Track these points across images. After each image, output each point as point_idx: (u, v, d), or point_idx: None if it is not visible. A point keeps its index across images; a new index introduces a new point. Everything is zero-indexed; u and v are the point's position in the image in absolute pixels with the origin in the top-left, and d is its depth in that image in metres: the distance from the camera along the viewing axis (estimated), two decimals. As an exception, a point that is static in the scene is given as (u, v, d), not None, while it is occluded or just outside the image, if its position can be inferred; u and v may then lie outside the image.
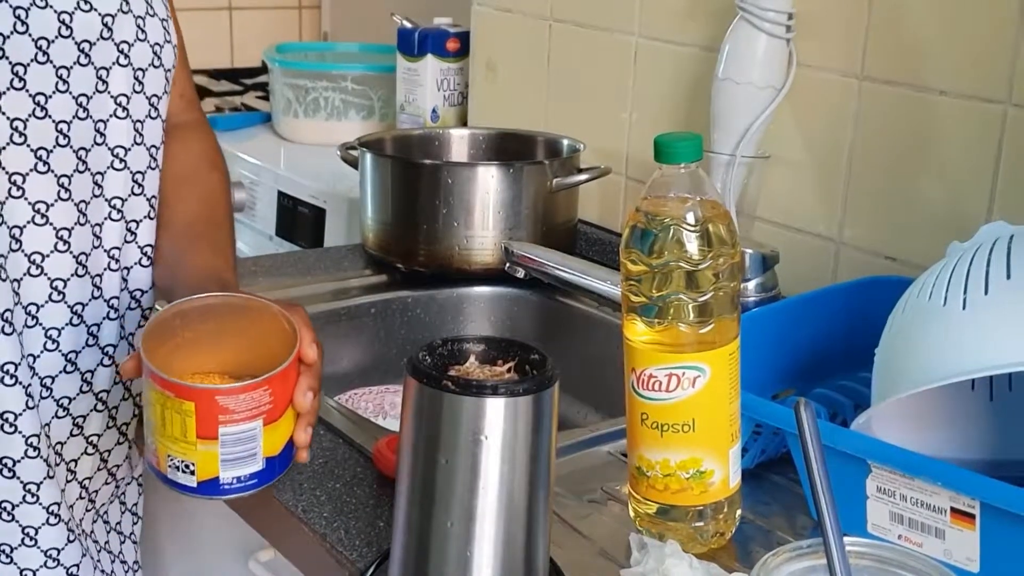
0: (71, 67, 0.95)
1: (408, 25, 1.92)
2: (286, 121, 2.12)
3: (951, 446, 0.99)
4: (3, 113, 0.91)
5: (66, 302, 0.97)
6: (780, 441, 1.03)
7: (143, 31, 1.00)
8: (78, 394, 1.00)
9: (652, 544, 0.88)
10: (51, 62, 0.93)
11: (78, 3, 0.95)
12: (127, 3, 0.98)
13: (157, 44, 1.01)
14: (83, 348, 1.00)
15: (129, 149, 1.00)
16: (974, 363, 0.83)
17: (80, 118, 0.96)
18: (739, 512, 0.93)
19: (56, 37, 0.93)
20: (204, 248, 1.06)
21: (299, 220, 1.86)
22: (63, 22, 0.94)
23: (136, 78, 1.00)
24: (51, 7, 0.93)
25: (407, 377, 0.78)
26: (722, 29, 1.34)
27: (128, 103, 0.99)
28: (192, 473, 0.82)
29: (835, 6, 1.30)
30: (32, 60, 0.92)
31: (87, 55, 0.95)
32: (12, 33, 0.91)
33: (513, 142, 1.63)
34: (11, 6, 0.91)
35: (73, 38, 0.94)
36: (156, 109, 1.02)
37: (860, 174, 1.30)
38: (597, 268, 1.27)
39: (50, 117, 0.94)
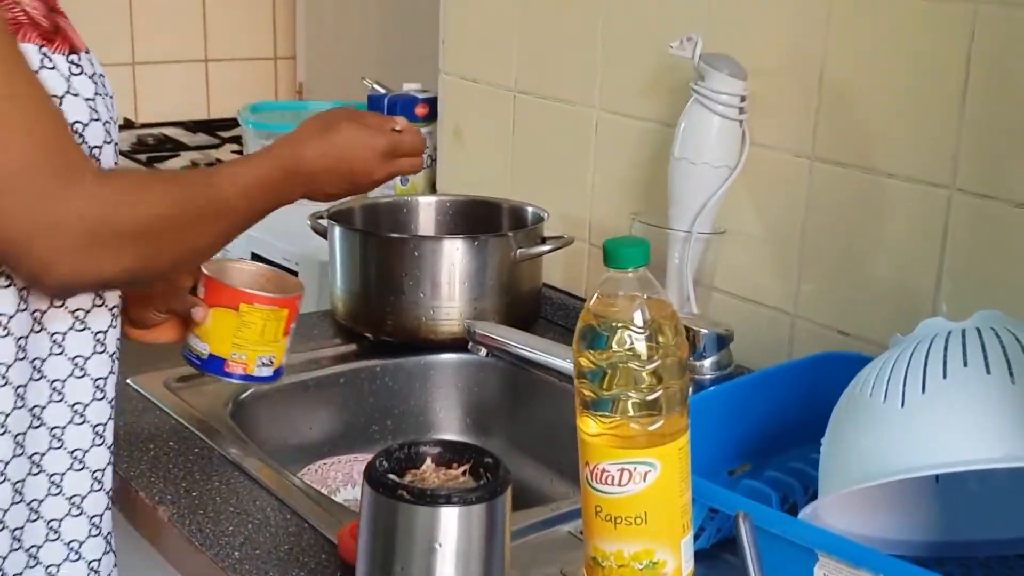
0: None
1: (379, 90, 1.95)
2: (259, 180, 2.14)
3: (900, 528, 1.02)
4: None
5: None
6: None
7: None
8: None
9: (607, 632, 0.90)
10: None
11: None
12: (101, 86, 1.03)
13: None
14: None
15: None
16: (911, 462, 0.86)
17: None
18: (693, 598, 0.96)
19: None
20: None
21: (271, 281, 1.88)
22: None
23: None
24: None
25: (364, 485, 0.81)
26: (678, 105, 1.37)
27: None
28: (270, 365, 1.18)
29: (786, 89, 1.34)
30: None
31: None
32: None
33: (479, 209, 1.66)
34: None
35: None
36: None
37: (813, 250, 1.34)
38: (557, 346, 1.30)
39: None
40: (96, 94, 0.94)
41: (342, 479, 1.40)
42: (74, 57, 0.93)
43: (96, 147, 0.94)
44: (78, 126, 0.92)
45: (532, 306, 1.55)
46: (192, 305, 1.16)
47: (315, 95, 2.68)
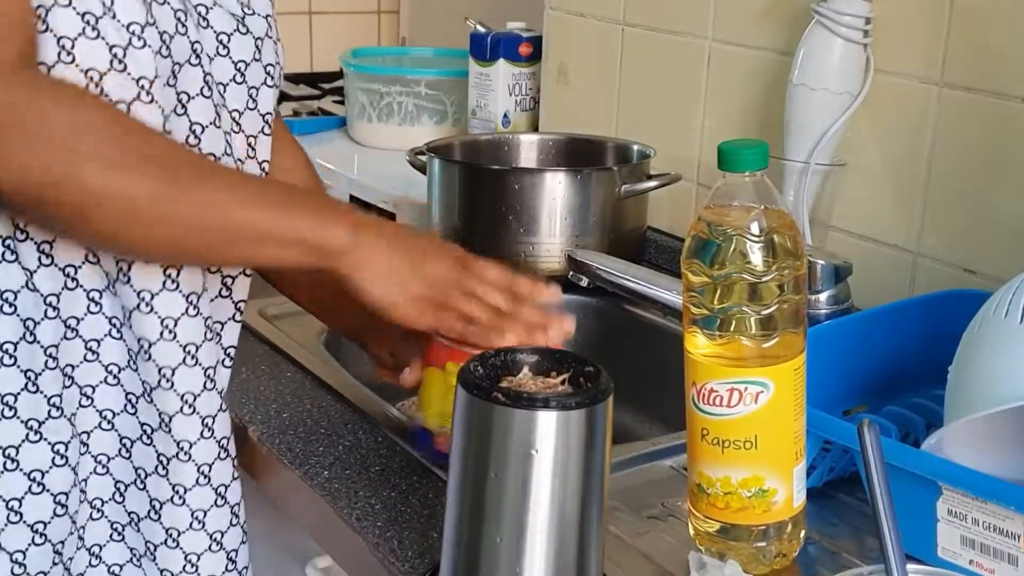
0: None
1: (481, 30, 1.90)
2: (360, 126, 2.12)
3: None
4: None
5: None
6: (849, 459, 0.99)
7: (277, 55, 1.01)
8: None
9: (712, 564, 0.85)
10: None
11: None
12: (271, 28, 1.01)
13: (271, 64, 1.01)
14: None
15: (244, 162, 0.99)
16: (1052, 384, 0.79)
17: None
18: (804, 533, 0.90)
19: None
20: None
21: (370, 224, 1.86)
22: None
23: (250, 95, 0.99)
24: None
25: (458, 387, 0.77)
26: (797, 33, 1.30)
27: (242, 118, 0.98)
28: None
29: (914, 11, 1.26)
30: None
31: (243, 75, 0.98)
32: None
33: (583, 148, 1.60)
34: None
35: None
36: (268, 126, 1.01)
37: (939, 183, 1.26)
38: (661, 276, 1.24)
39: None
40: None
41: (436, 416, 1.37)
42: None
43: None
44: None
45: (636, 246, 1.50)
46: (406, 363, 0.99)
47: (418, 46, 2.65)
